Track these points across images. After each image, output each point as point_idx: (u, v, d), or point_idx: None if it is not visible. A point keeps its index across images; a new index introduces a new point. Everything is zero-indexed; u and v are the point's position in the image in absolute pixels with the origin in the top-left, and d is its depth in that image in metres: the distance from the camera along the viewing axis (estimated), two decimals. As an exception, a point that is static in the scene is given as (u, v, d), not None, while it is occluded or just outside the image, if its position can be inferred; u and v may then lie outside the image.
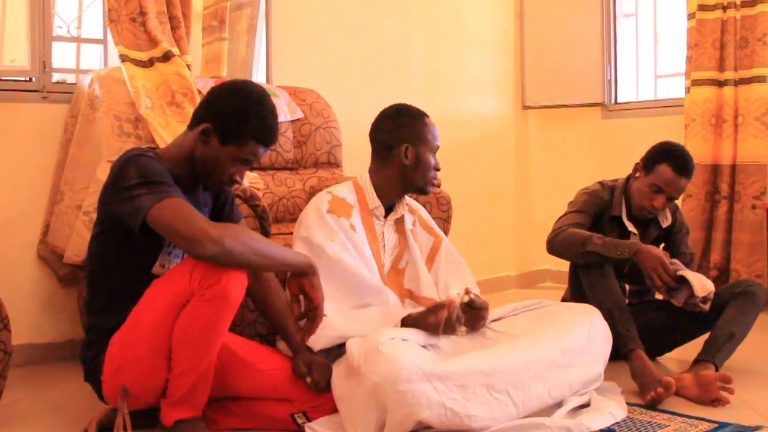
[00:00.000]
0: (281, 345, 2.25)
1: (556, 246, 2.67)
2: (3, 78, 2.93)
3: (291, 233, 2.43)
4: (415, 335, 2.09)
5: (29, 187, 2.93)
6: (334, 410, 2.06)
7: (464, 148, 4.33)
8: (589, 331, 2.23)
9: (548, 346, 2.09)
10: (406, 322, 2.14)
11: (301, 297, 2.02)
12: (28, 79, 2.96)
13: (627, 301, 2.72)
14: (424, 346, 2.08)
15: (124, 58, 2.89)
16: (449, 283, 2.42)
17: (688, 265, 2.68)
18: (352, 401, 1.95)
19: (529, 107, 4.70)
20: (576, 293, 2.75)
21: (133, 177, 1.84)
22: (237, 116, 1.96)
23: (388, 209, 2.43)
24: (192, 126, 2.03)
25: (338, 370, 2.09)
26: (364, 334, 2.05)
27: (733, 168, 3.76)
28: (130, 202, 1.83)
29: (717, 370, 2.44)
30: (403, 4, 4.16)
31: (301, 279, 1.98)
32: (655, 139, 2.78)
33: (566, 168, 4.61)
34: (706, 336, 2.59)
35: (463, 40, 4.43)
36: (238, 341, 2.16)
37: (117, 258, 1.99)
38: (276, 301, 2.20)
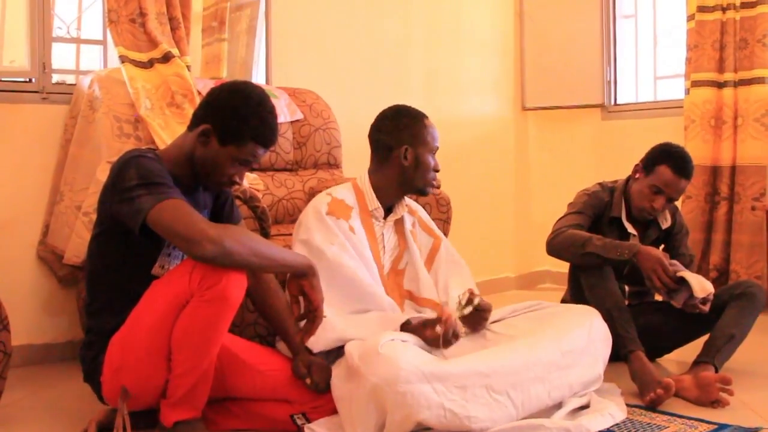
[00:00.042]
0: (281, 346, 2.25)
1: (555, 247, 2.67)
2: (3, 79, 2.93)
3: (291, 234, 2.43)
4: (414, 337, 2.09)
5: (29, 187, 2.92)
6: (334, 411, 2.06)
7: (464, 150, 4.34)
8: (588, 333, 2.23)
9: (548, 348, 2.09)
10: (405, 329, 2.13)
11: (301, 298, 2.02)
12: (27, 80, 2.96)
13: (626, 302, 2.72)
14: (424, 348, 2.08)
15: (123, 59, 2.89)
16: (449, 283, 2.42)
17: (687, 266, 2.68)
18: (352, 402, 1.95)
19: (529, 108, 4.71)
20: (576, 294, 2.75)
21: (133, 178, 1.84)
22: (236, 117, 1.96)
23: (388, 210, 2.43)
24: (192, 127, 2.03)
25: (338, 371, 2.09)
26: (364, 338, 2.05)
27: (733, 169, 3.76)
28: (129, 203, 1.83)
29: (717, 371, 2.44)
30: (403, 6, 4.16)
31: (300, 280, 1.99)
32: (655, 141, 2.78)
33: (566, 169, 4.61)
34: (705, 337, 2.59)
35: (463, 41, 4.44)
36: (238, 342, 2.16)
37: (117, 259, 1.99)
38: (276, 302, 2.20)
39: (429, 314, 2.30)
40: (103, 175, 2.39)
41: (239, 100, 1.98)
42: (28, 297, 2.92)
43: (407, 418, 1.82)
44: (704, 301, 2.44)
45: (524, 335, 2.18)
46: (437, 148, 2.41)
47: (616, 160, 3.66)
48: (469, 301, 2.17)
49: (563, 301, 2.90)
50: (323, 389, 2.08)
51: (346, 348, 2.05)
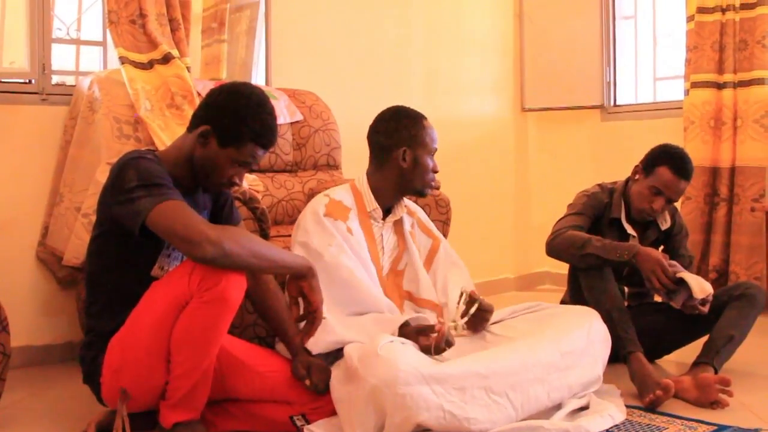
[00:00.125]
0: (280, 347, 2.24)
1: (555, 248, 2.67)
2: (2, 80, 2.93)
3: (290, 236, 2.43)
4: (412, 340, 2.10)
5: (28, 189, 2.92)
6: (333, 413, 2.06)
7: (463, 150, 4.34)
8: (588, 334, 2.23)
9: (547, 349, 2.09)
10: (402, 333, 2.13)
11: (300, 299, 2.02)
12: (27, 81, 2.96)
13: (626, 303, 2.72)
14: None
15: (123, 60, 2.89)
16: (448, 284, 2.42)
17: (687, 267, 2.68)
18: (351, 404, 1.95)
19: (529, 109, 4.71)
20: (575, 295, 2.75)
21: (133, 179, 1.84)
22: (236, 118, 1.96)
23: (387, 211, 2.43)
24: (191, 128, 2.03)
25: (337, 373, 2.09)
26: (362, 341, 2.06)
27: (732, 170, 3.76)
28: (129, 204, 1.83)
29: (716, 372, 2.44)
30: (403, 7, 4.16)
31: (300, 281, 1.99)
32: (654, 142, 2.78)
33: (565, 170, 4.62)
34: (705, 338, 2.60)
35: (463, 42, 4.44)
36: (237, 343, 2.16)
37: (116, 260, 1.99)
38: (275, 304, 2.20)
39: (428, 314, 2.30)
40: (102, 176, 2.39)
41: (239, 102, 1.98)
42: (27, 298, 2.92)
43: (407, 419, 1.82)
44: (703, 302, 2.45)
45: (523, 336, 2.18)
46: (436, 149, 2.41)
47: (615, 161, 3.67)
48: (472, 302, 2.17)
49: (563, 302, 2.90)
50: (322, 390, 2.07)
51: (346, 350, 2.05)
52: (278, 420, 2.10)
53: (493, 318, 2.35)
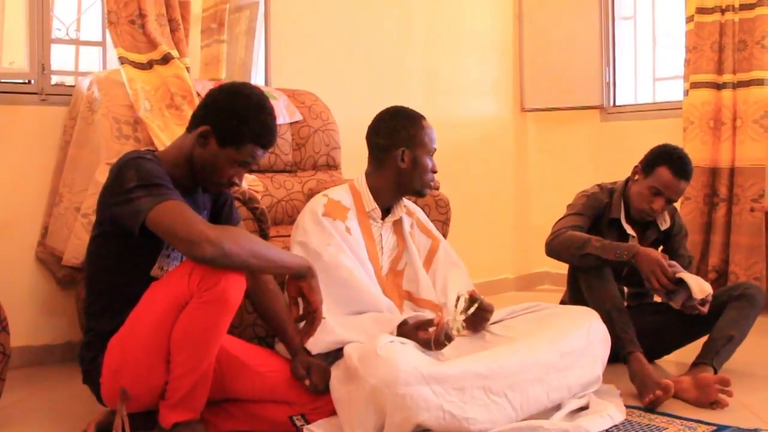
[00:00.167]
0: (280, 347, 2.25)
1: (554, 248, 2.67)
2: (2, 80, 2.93)
3: (290, 236, 2.43)
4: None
5: (28, 189, 2.92)
6: (333, 413, 2.06)
7: (463, 151, 4.34)
8: (587, 334, 2.23)
9: (546, 349, 2.09)
10: (401, 331, 2.13)
11: (300, 299, 2.03)
12: (27, 81, 2.96)
13: (625, 303, 2.72)
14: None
15: (123, 61, 2.89)
16: (447, 285, 2.42)
17: (686, 267, 2.69)
18: (351, 404, 1.95)
19: (528, 109, 4.71)
20: (575, 296, 2.75)
21: (132, 179, 1.84)
22: (235, 118, 1.96)
23: (386, 211, 2.43)
24: (190, 128, 2.03)
25: (337, 373, 2.09)
26: (362, 341, 2.06)
27: (732, 171, 3.77)
28: (129, 204, 1.83)
29: (716, 372, 2.44)
30: (402, 7, 4.16)
31: (299, 281, 1.99)
32: (654, 142, 2.78)
33: (565, 170, 4.62)
34: (704, 338, 2.60)
35: (462, 42, 4.44)
36: (237, 343, 2.16)
37: (116, 260, 1.99)
38: (274, 304, 2.20)
39: (428, 314, 2.30)
40: (102, 176, 2.39)
41: (238, 102, 1.98)
42: (27, 298, 2.92)
43: (406, 420, 1.82)
44: (703, 302, 2.45)
45: (523, 337, 2.18)
46: (435, 149, 2.41)
47: (615, 162, 3.67)
48: (473, 301, 2.17)
49: (562, 302, 2.90)
50: (322, 390, 2.07)
51: (345, 350, 2.05)
52: (278, 420, 2.10)
53: (493, 318, 2.34)
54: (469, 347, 2.19)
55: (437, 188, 2.92)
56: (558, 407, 2.10)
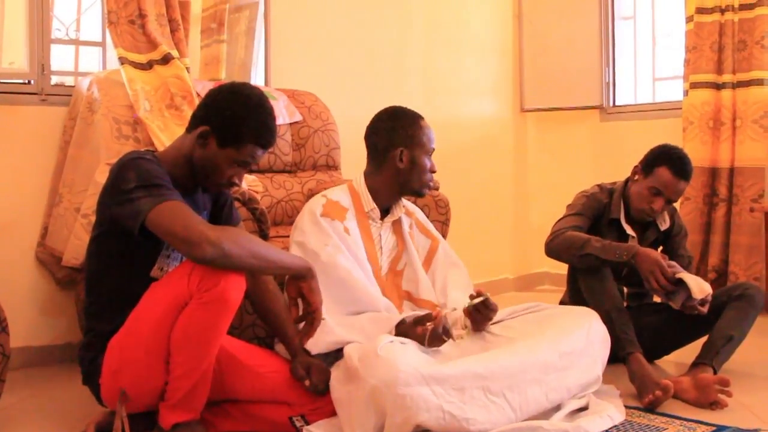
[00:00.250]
0: (279, 348, 2.25)
1: (554, 249, 2.67)
2: (2, 81, 2.93)
3: (289, 236, 2.43)
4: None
5: (28, 189, 2.92)
6: (333, 413, 2.06)
7: (463, 151, 4.34)
8: (587, 334, 2.22)
9: (546, 349, 2.09)
10: (399, 330, 2.13)
11: (299, 300, 2.02)
12: (26, 81, 2.96)
13: (625, 303, 2.72)
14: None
15: (123, 61, 2.89)
16: (447, 285, 2.42)
17: (686, 268, 2.68)
18: (351, 404, 1.95)
19: (528, 110, 4.71)
20: (574, 296, 2.75)
21: (132, 180, 1.84)
22: (235, 119, 1.96)
23: (385, 212, 2.43)
24: (190, 128, 2.03)
25: (337, 373, 2.09)
26: (361, 341, 2.06)
27: (731, 171, 3.77)
28: (128, 204, 1.83)
29: (715, 373, 2.44)
30: (402, 7, 4.16)
31: (299, 282, 1.99)
32: (654, 142, 2.78)
33: (564, 171, 4.62)
34: (704, 339, 2.60)
35: (462, 43, 4.44)
36: (237, 344, 2.16)
37: (115, 261, 1.99)
38: (274, 305, 2.20)
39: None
40: (102, 176, 2.39)
41: (238, 102, 1.98)
42: (26, 299, 2.92)
43: (406, 420, 1.82)
44: (702, 302, 2.44)
45: (522, 337, 2.17)
46: (433, 149, 2.40)
47: (614, 162, 3.67)
48: (479, 294, 2.16)
49: (562, 302, 2.90)
50: (322, 391, 2.07)
51: (345, 350, 2.05)
52: (278, 421, 2.10)
53: (493, 318, 2.34)
54: (470, 347, 2.19)
55: (437, 188, 2.92)
56: (557, 408, 2.10)
